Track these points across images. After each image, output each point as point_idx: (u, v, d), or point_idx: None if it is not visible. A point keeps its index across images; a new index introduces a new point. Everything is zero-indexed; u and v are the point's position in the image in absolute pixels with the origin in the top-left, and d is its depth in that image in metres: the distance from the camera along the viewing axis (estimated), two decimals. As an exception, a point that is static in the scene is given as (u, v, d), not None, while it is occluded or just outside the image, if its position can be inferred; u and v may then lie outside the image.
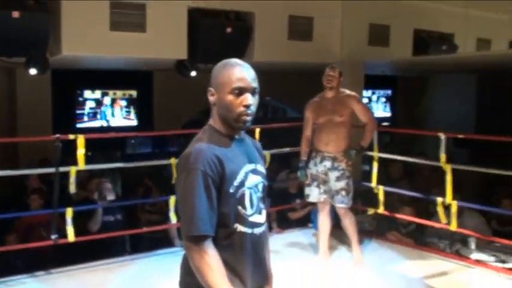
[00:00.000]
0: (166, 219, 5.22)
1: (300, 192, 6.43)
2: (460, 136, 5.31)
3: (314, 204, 5.82)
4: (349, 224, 4.81)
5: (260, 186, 2.10)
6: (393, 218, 5.68)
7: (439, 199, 4.91)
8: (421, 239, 5.75)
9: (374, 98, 11.43)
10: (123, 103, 8.98)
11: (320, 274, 4.70)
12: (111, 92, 8.85)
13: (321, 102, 4.78)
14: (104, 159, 7.63)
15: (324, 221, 4.89)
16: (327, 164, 4.73)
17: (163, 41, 5.82)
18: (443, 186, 4.90)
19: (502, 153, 8.07)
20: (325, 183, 4.76)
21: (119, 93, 8.92)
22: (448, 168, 4.78)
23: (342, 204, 4.73)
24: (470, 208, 5.50)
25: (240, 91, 1.98)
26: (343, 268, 4.84)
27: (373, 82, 10.25)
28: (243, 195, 2.00)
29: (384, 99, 11.60)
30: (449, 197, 4.80)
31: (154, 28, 5.73)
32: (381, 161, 5.68)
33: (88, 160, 4.62)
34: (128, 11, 5.62)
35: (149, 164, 5.83)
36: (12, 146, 7.65)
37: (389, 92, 11.57)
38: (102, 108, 8.79)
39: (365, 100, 10.27)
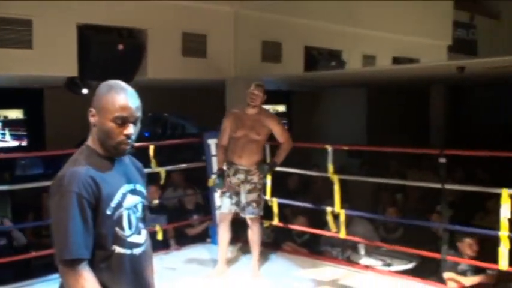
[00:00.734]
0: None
1: (197, 208, 6.46)
2: (345, 148, 5.59)
3: (212, 219, 5.89)
4: (256, 234, 4.89)
5: (139, 207, 2.08)
6: (289, 229, 5.85)
7: (329, 208, 5.13)
8: (316, 248, 5.96)
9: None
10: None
11: (218, 286, 4.75)
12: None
13: (241, 115, 4.82)
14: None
15: (224, 233, 4.96)
16: (241, 176, 4.81)
17: (51, 57, 5.64)
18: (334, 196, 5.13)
19: (386, 163, 8.59)
20: (237, 195, 4.84)
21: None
22: (335, 179, 5.00)
23: (252, 215, 4.83)
24: (359, 216, 5.80)
25: (123, 121, 1.95)
26: (240, 280, 4.91)
27: (268, 97, 10.51)
28: (120, 217, 1.98)
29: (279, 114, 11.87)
30: (337, 206, 5.02)
31: (41, 44, 5.55)
32: (279, 174, 5.84)
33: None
34: (13, 27, 5.40)
35: (39, 185, 5.58)
36: None
37: (284, 106, 11.90)
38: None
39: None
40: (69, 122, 8.34)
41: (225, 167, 4.90)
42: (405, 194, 7.37)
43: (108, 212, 1.94)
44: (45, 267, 5.41)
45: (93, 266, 1.89)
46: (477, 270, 4.67)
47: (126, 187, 2.03)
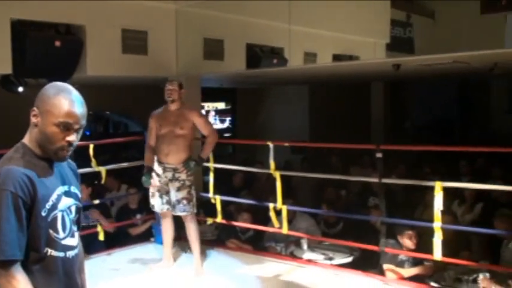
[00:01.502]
0: None
1: (140, 208, 6.38)
2: (286, 144, 5.66)
3: (155, 218, 5.84)
4: (192, 231, 4.92)
5: (73, 209, 2.06)
6: (233, 226, 5.88)
7: (271, 205, 5.19)
8: (260, 244, 6.02)
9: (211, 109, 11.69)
10: None
11: (161, 285, 4.74)
12: None
13: (164, 113, 4.89)
14: None
15: (167, 230, 5.04)
16: (168, 175, 4.83)
17: (-17, 54, 5.43)
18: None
19: (328, 159, 8.77)
20: (167, 193, 4.88)
21: None
22: (277, 175, 5.07)
23: (184, 212, 4.86)
24: (302, 211, 5.90)
25: (67, 127, 1.92)
26: (184, 277, 4.90)
27: (212, 95, 10.52)
28: (55, 218, 1.95)
29: (220, 111, 11.88)
30: (279, 202, 5.09)
31: (-29, 41, 5.33)
32: (224, 171, 5.85)
33: None
34: None
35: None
36: None
37: (229, 104, 11.91)
38: None
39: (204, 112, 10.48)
40: (5, 121, 8.05)
41: (156, 166, 4.90)
42: (347, 190, 7.56)
43: (43, 214, 1.91)
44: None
45: (26, 267, 1.86)
46: (416, 263, 4.84)
47: (61, 188, 2.01)
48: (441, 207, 4.11)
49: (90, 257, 5.17)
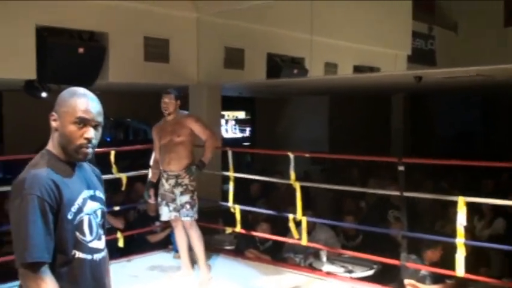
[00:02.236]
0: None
1: (159, 215, 6.37)
2: (307, 155, 5.61)
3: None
4: (195, 238, 4.90)
5: (99, 213, 2.09)
6: (252, 236, 5.84)
7: (290, 215, 5.14)
8: (278, 255, 5.97)
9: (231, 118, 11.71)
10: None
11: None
12: None
13: (163, 125, 4.97)
14: None
15: (180, 237, 5.02)
16: (171, 182, 4.88)
17: (8, 60, 5.51)
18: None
19: (348, 170, 8.71)
20: (173, 201, 4.90)
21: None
22: (297, 186, 5.02)
23: (187, 217, 4.85)
24: (322, 223, 5.84)
25: (83, 123, 1.97)
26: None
27: (231, 104, 10.53)
28: (81, 221, 1.98)
29: (240, 120, 11.89)
30: (299, 213, 5.04)
31: (-2, 46, 5.40)
32: (242, 180, 5.82)
33: None
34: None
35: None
36: None
37: (248, 113, 11.91)
38: None
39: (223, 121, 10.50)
40: (28, 126, 8.15)
41: (161, 177, 4.98)
42: (367, 202, 7.48)
43: (69, 217, 1.94)
44: (5, 276, 5.26)
45: (54, 270, 1.88)
46: (437, 278, 4.75)
47: (87, 192, 2.04)
48: (464, 223, 4.03)
49: (110, 262, 5.16)
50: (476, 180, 7.70)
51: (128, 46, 6.41)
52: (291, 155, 5.02)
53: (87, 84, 5.45)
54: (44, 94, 6.10)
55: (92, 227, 2.02)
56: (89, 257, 2.00)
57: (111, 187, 6.00)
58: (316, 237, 5.79)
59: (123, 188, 5.67)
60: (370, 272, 5.33)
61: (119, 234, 5.46)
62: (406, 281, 4.72)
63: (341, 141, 11.35)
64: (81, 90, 2.04)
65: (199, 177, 5.03)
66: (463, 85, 7.97)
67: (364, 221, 6.50)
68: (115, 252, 5.58)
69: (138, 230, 6.08)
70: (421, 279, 4.76)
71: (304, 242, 5.09)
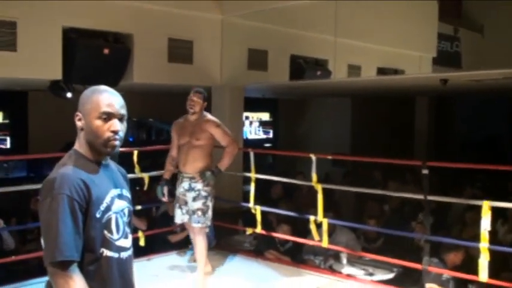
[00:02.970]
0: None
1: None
2: (329, 157, 5.59)
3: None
4: (199, 245, 4.83)
5: (126, 211, 2.12)
6: (272, 237, 5.84)
7: (311, 217, 5.13)
8: (299, 256, 5.96)
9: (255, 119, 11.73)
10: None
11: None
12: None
13: (184, 123, 4.88)
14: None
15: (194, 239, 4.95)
16: (185, 185, 4.80)
17: (35, 60, 5.61)
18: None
19: (370, 173, 8.64)
20: (186, 203, 4.83)
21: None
22: (319, 188, 5.01)
23: (198, 224, 4.76)
24: (343, 225, 5.81)
25: (108, 117, 2.01)
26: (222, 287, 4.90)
27: (253, 105, 10.54)
28: (109, 220, 2.01)
29: (264, 122, 11.90)
30: (320, 215, 5.03)
31: (25, 47, 5.51)
32: (263, 181, 5.82)
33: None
34: (-3, 29, 5.37)
35: (23, 188, 5.50)
36: None
37: (270, 114, 11.92)
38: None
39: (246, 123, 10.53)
40: (53, 126, 8.29)
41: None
42: (389, 205, 7.42)
43: (98, 215, 1.97)
44: (26, 273, 5.35)
45: (82, 269, 1.91)
46: (459, 282, 4.69)
47: (114, 191, 2.07)
48: (489, 228, 3.98)
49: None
50: (504, 185, 7.58)
51: (152, 47, 6.47)
52: (313, 157, 5.01)
53: (111, 85, 5.49)
54: (69, 94, 6.19)
55: (119, 225, 2.05)
56: (116, 255, 2.03)
57: (133, 187, 6.07)
58: (336, 239, 5.77)
59: (145, 188, 5.72)
60: (391, 275, 5.29)
61: (140, 234, 5.51)
62: (428, 285, 4.67)
63: (363, 144, 11.28)
64: (101, 87, 2.08)
65: (220, 179, 4.99)
66: (489, 88, 7.85)
67: (386, 224, 6.45)
68: (135, 251, 5.64)
69: (159, 230, 6.13)
70: (444, 284, 4.71)
71: (324, 243, 5.08)
